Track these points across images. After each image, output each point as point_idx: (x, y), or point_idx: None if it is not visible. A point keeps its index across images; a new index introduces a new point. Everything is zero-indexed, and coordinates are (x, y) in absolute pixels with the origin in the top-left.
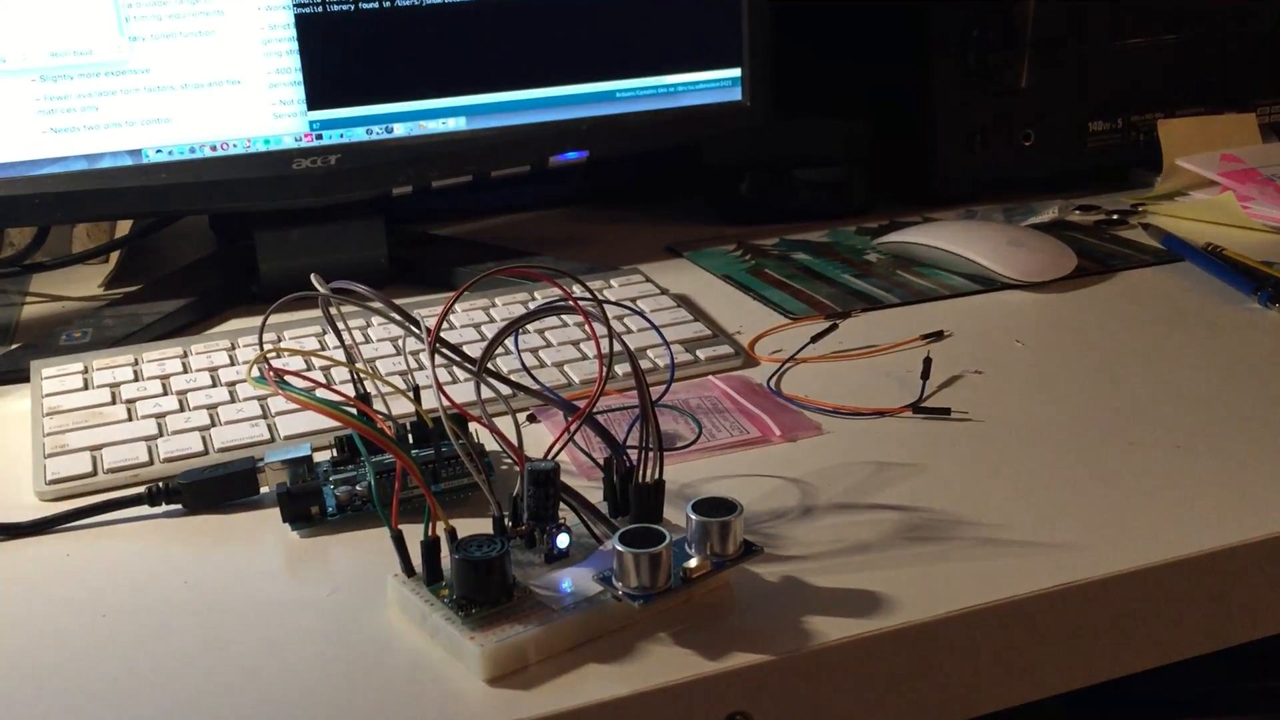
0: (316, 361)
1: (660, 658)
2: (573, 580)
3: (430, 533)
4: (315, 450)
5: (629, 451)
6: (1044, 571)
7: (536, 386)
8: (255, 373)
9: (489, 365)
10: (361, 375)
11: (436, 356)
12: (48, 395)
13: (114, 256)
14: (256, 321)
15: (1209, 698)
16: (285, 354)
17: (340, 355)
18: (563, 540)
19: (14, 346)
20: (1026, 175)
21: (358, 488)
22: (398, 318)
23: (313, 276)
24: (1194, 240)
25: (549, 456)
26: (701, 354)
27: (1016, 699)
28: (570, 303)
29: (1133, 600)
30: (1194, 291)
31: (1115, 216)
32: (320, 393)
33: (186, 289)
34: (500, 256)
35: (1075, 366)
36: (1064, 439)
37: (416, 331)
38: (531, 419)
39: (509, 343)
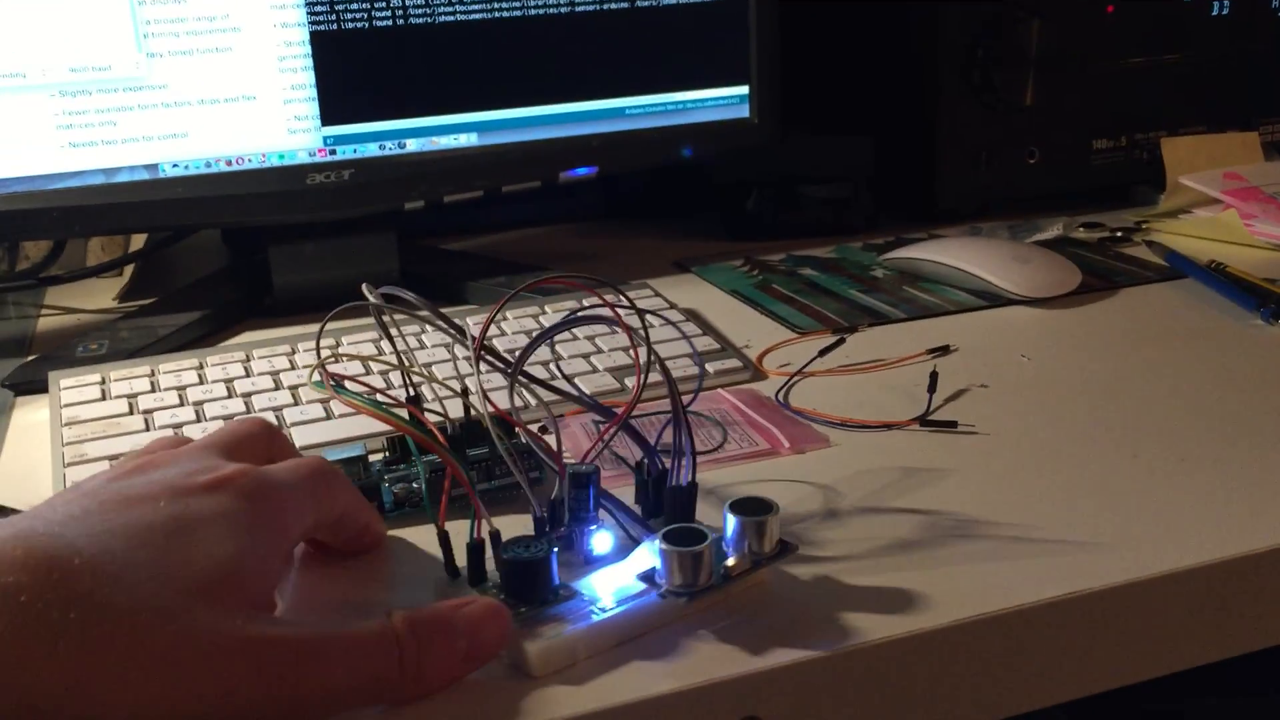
0: (361, 366)
1: (703, 654)
2: (615, 579)
3: (476, 535)
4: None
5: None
6: (1046, 582)
7: (574, 393)
8: (316, 377)
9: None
10: (415, 380)
11: (478, 362)
12: (66, 405)
13: (128, 270)
14: (270, 334)
15: (1217, 708)
16: (343, 359)
17: (385, 361)
18: (603, 541)
19: (31, 358)
20: (1031, 193)
21: (414, 484)
22: (441, 324)
23: (364, 287)
24: (1197, 257)
25: (587, 460)
26: (710, 367)
27: (1026, 705)
28: (607, 311)
29: (1136, 609)
30: (1197, 308)
31: (1119, 234)
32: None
33: (201, 302)
34: (511, 271)
35: (1080, 381)
36: (1069, 452)
37: (458, 338)
38: (544, 430)
39: (544, 350)
